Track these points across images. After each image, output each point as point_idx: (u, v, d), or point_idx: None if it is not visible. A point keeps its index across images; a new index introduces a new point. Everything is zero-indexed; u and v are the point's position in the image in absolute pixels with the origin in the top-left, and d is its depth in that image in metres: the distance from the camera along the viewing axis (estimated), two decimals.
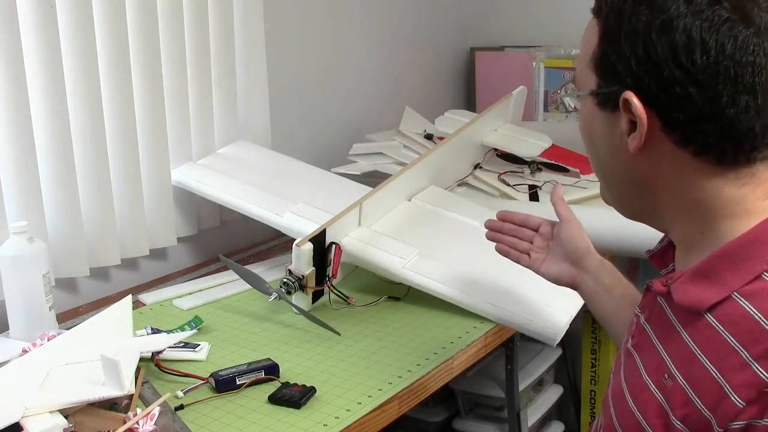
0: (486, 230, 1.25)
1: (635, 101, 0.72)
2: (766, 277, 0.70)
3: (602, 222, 1.60)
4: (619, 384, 0.82)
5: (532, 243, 1.20)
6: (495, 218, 1.24)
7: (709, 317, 0.71)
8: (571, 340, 2.05)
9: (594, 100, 0.78)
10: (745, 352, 0.67)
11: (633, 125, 0.74)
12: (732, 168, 0.74)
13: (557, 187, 1.22)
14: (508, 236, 1.22)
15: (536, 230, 1.20)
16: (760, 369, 0.66)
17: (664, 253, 0.88)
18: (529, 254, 1.19)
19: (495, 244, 1.23)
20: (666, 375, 0.74)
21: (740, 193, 0.74)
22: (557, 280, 1.16)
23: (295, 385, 1.15)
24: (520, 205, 1.79)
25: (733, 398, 0.67)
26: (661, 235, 0.89)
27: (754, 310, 0.69)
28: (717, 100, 0.70)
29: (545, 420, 1.96)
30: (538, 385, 1.90)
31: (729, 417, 0.67)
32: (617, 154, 0.78)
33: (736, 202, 0.74)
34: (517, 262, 1.21)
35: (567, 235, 1.15)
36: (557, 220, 1.17)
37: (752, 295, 0.70)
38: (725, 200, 0.75)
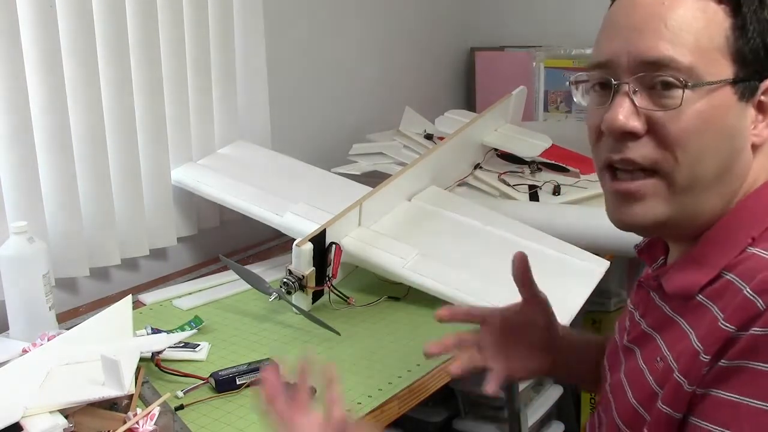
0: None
1: None
2: (750, 250, 0.71)
3: (602, 222, 1.60)
4: (619, 380, 0.83)
5: None
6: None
7: (700, 297, 0.73)
8: None
9: (733, 89, 0.72)
10: (721, 315, 0.69)
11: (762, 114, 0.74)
12: None
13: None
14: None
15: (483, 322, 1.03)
16: (727, 324, 0.67)
17: (652, 247, 0.89)
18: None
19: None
20: (658, 358, 0.75)
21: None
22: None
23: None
24: (520, 205, 1.79)
25: (702, 357, 0.69)
26: None
27: (735, 277, 0.70)
28: None
29: (545, 420, 1.95)
30: (538, 385, 1.90)
31: (697, 373, 0.69)
32: (745, 147, 0.75)
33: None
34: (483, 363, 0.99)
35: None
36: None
37: (735, 266, 0.71)
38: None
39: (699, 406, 0.69)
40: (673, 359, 0.73)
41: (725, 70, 0.71)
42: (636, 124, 0.73)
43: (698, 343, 0.70)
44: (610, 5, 0.78)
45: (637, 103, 0.73)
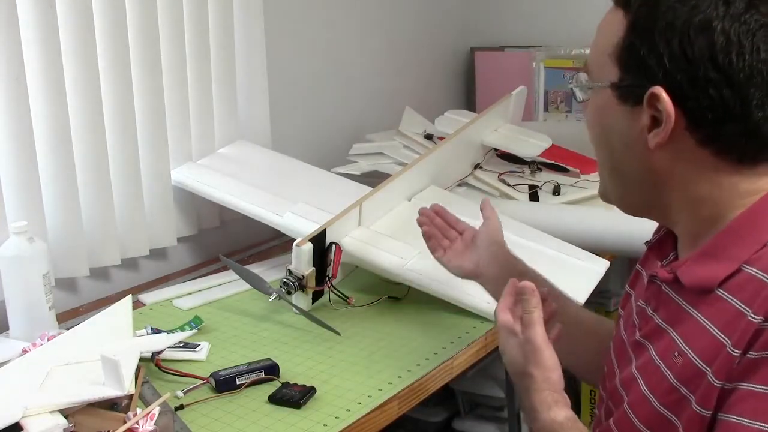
0: (418, 215, 1.29)
1: (665, 97, 0.73)
2: None
3: (602, 222, 1.61)
4: (630, 374, 0.83)
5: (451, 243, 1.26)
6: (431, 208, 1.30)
7: (720, 291, 0.73)
8: None
9: (614, 93, 0.78)
10: (749, 310, 0.69)
11: (655, 121, 0.75)
12: (751, 166, 0.75)
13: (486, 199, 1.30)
14: (436, 229, 1.27)
15: (461, 233, 1.26)
16: (755, 316, 0.68)
17: (662, 243, 0.90)
18: (445, 251, 1.25)
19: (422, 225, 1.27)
20: (676, 353, 0.76)
21: (755, 186, 0.76)
22: (460, 269, 1.22)
23: (295, 385, 1.15)
24: (520, 205, 1.79)
25: (730, 350, 0.69)
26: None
27: (758, 272, 0.71)
28: (747, 103, 0.71)
29: None
30: None
31: (727, 367, 0.69)
32: (633, 148, 0.78)
33: (749, 194, 0.76)
34: (433, 252, 1.26)
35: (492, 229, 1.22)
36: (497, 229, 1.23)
37: (758, 260, 0.72)
38: (740, 193, 0.76)
39: (728, 400, 0.69)
40: (696, 355, 0.73)
41: (610, 73, 0.78)
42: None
43: (724, 337, 0.70)
44: None
45: None
